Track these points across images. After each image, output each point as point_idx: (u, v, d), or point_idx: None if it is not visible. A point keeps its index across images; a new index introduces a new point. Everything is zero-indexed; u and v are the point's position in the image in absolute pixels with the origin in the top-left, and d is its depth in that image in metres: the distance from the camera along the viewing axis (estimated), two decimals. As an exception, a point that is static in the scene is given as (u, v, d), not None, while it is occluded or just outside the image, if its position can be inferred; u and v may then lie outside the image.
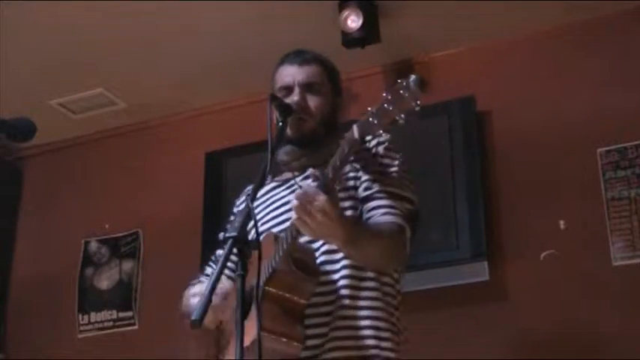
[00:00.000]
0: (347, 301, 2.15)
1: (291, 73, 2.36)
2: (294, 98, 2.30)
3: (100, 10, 3.75)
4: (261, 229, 2.21)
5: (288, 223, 2.10)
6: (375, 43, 3.85)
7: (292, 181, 2.30)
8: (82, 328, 4.58)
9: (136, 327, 4.45)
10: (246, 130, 4.18)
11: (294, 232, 2.02)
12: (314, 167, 2.21)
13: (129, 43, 4.05)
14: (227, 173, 4.36)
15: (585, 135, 3.74)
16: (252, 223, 1.95)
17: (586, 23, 3.89)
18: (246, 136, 4.19)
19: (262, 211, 2.35)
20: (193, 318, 1.74)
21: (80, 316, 4.60)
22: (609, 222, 3.60)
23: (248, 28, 3.95)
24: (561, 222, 3.67)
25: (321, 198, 1.93)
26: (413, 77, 1.84)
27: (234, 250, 1.87)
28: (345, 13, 3.76)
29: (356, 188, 2.24)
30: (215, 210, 4.27)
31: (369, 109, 1.89)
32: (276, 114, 2.26)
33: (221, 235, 1.90)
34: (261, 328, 1.88)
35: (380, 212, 2.17)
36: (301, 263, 2.10)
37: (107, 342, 4.47)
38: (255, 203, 2.33)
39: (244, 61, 4.20)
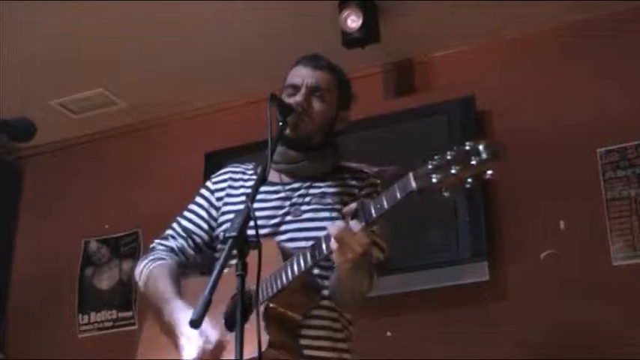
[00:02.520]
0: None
1: (302, 74, 2.36)
2: (297, 98, 2.31)
3: (100, 11, 3.75)
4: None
5: (268, 230, 2.21)
6: (375, 43, 3.85)
7: (279, 187, 2.33)
8: (82, 328, 4.58)
9: (135, 327, 4.44)
10: (246, 131, 4.17)
11: (320, 254, 2.03)
12: (303, 182, 2.30)
13: (129, 43, 4.05)
14: (227, 173, 4.35)
15: (585, 135, 3.74)
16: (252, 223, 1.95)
17: (586, 23, 3.88)
18: (245, 137, 4.19)
19: (235, 205, 2.35)
20: (193, 318, 1.74)
21: (80, 316, 4.61)
22: (609, 222, 3.60)
23: (248, 28, 3.95)
24: (561, 222, 3.67)
25: (363, 236, 1.96)
26: (484, 144, 1.70)
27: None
28: (345, 12, 3.76)
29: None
30: (215, 210, 4.27)
31: (430, 162, 1.78)
32: (276, 113, 2.26)
33: (221, 235, 1.90)
34: (262, 332, 1.90)
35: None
36: (308, 281, 2.16)
37: (107, 342, 4.47)
38: (233, 193, 2.38)
39: (244, 61, 4.20)
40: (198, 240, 2.43)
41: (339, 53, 3.89)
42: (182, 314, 2.17)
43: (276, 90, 2.38)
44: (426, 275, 3.67)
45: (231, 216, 2.29)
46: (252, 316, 1.98)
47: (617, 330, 3.40)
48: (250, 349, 1.79)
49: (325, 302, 2.23)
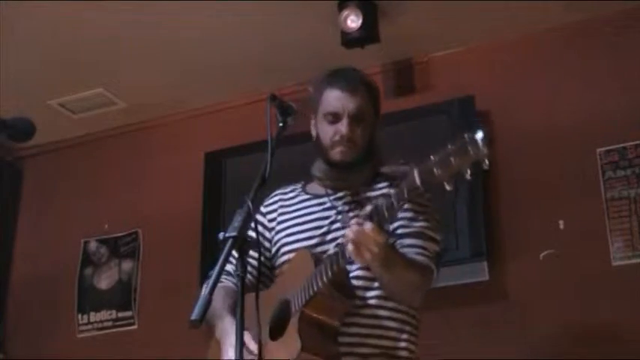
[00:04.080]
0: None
1: (341, 101, 2.37)
2: (342, 130, 2.34)
3: (99, 10, 3.75)
4: (289, 239, 2.39)
5: (316, 240, 2.29)
6: (375, 43, 3.85)
7: (325, 199, 2.40)
8: (81, 328, 4.58)
9: (135, 327, 4.45)
10: (246, 130, 4.18)
11: (343, 259, 2.09)
12: (348, 190, 2.37)
13: (129, 43, 4.04)
14: (226, 173, 4.36)
15: (585, 135, 3.74)
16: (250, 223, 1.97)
17: (585, 23, 3.89)
18: (245, 136, 4.19)
19: (290, 221, 2.43)
20: (193, 318, 1.75)
21: (79, 316, 4.60)
22: (609, 222, 3.60)
23: (248, 28, 3.95)
24: (561, 222, 3.67)
25: (377, 234, 2.02)
26: (480, 134, 1.84)
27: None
28: (345, 12, 3.75)
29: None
30: (214, 210, 4.27)
31: (431, 157, 1.92)
32: (276, 113, 2.27)
33: (221, 235, 1.91)
34: (264, 336, 1.98)
35: (413, 251, 2.26)
36: (340, 286, 2.18)
37: (106, 342, 4.47)
38: (284, 211, 2.47)
39: (244, 61, 4.20)
40: (253, 261, 2.46)
41: (338, 53, 3.90)
42: (230, 328, 2.23)
43: (275, 90, 2.38)
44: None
45: (288, 231, 2.41)
46: (289, 326, 2.13)
47: (617, 330, 3.40)
48: (286, 355, 2.00)
49: (372, 301, 2.27)
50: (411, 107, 4.07)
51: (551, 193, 3.72)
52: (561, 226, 3.67)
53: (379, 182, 2.40)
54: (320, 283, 2.12)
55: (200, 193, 4.38)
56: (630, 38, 3.80)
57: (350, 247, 2.04)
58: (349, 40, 3.81)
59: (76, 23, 3.86)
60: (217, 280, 1.82)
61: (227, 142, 4.42)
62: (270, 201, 2.55)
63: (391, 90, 4.24)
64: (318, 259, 2.21)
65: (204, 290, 1.80)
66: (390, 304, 2.28)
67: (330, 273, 2.11)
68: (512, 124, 3.92)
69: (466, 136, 1.85)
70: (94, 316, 4.57)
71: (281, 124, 2.26)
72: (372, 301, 2.27)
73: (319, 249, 2.31)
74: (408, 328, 2.33)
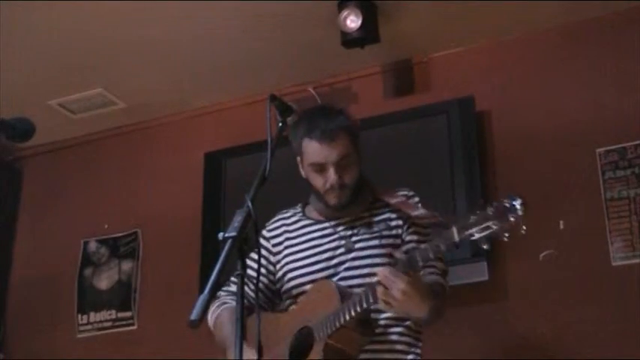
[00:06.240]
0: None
1: (322, 153, 2.41)
2: (331, 178, 2.40)
3: (99, 10, 3.75)
4: (295, 265, 2.49)
5: (322, 265, 2.42)
6: (375, 43, 3.84)
7: (326, 224, 2.50)
8: (81, 328, 4.58)
9: (135, 327, 4.45)
10: (245, 131, 4.18)
11: (372, 299, 2.18)
12: (348, 217, 2.47)
13: (128, 43, 4.04)
14: (226, 173, 4.36)
15: (584, 135, 3.75)
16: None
17: (585, 23, 3.89)
18: (245, 137, 4.19)
19: (295, 247, 2.53)
20: (192, 318, 1.75)
21: (79, 316, 4.60)
22: (608, 222, 3.60)
23: (247, 27, 3.95)
24: (561, 222, 3.67)
25: (403, 281, 2.12)
26: (519, 201, 2.02)
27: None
28: (345, 13, 3.75)
29: (397, 236, 2.45)
30: (214, 210, 4.27)
31: (471, 217, 2.03)
32: (276, 114, 2.27)
33: (220, 235, 1.91)
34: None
35: (427, 271, 2.38)
36: (364, 322, 2.29)
37: (106, 342, 4.47)
38: (289, 236, 2.56)
39: (243, 61, 4.20)
40: (260, 280, 2.58)
41: (338, 53, 3.91)
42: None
43: (275, 90, 2.39)
44: (426, 275, 3.67)
45: (294, 257, 2.51)
46: (313, 353, 2.27)
47: (616, 330, 3.40)
48: None
49: (383, 322, 2.38)
50: (411, 107, 4.07)
51: (551, 193, 3.72)
52: (561, 226, 3.67)
53: (378, 207, 2.50)
54: (347, 317, 2.22)
55: (200, 194, 4.38)
56: (630, 38, 3.79)
57: (379, 293, 2.14)
58: (349, 41, 3.81)
59: (75, 23, 3.86)
60: (216, 281, 1.81)
61: (227, 142, 4.42)
62: (273, 226, 2.62)
63: (391, 90, 4.25)
64: (342, 292, 2.30)
65: (205, 290, 1.80)
66: (399, 327, 2.39)
67: (358, 309, 2.21)
68: (511, 125, 3.92)
69: (506, 202, 1.99)
70: (93, 317, 4.57)
71: (281, 124, 2.27)
72: (382, 322, 2.37)
73: (325, 273, 2.42)
74: (414, 342, 2.46)
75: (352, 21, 3.74)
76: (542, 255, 3.64)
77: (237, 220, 1.92)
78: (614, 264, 3.54)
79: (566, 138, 3.78)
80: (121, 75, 4.34)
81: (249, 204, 1.96)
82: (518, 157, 3.86)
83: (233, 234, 1.89)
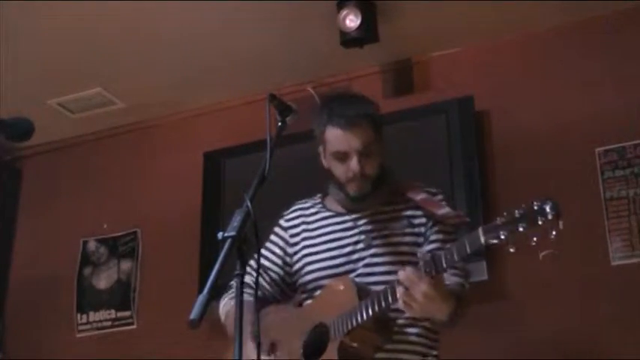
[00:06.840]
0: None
1: (346, 140, 2.37)
2: (353, 167, 2.36)
3: (98, 10, 3.75)
4: (314, 258, 2.44)
5: (341, 259, 2.36)
6: (374, 43, 3.84)
7: (346, 217, 2.44)
8: (80, 327, 4.58)
9: (134, 326, 4.45)
10: (245, 130, 4.18)
11: (392, 299, 2.14)
12: (368, 211, 2.41)
13: (128, 43, 4.04)
14: (225, 173, 4.36)
15: (584, 135, 3.75)
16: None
17: (584, 23, 3.89)
18: (244, 136, 4.19)
19: (314, 239, 2.47)
20: (191, 318, 1.74)
21: (79, 315, 4.61)
22: (608, 222, 3.60)
23: (247, 28, 3.95)
24: (560, 222, 3.66)
25: (425, 283, 2.07)
26: (550, 204, 1.95)
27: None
28: (344, 12, 3.75)
29: (420, 234, 2.40)
30: (213, 210, 4.27)
31: (498, 218, 1.96)
32: (275, 113, 2.27)
33: (220, 235, 1.91)
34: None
35: (450, 272, 2.30)
36: (382, 322, 2.26)
37: (105, 341, 4.47)
38: (307, 228, 2.50)
39: (243, 61, 4.20)
40: (273, 275, 2.55)
41: (337, 53, 3.91)
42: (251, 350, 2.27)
43: (275, 90, 2.38)
44: (425, 275, 3.66)
45: (313, 249, 2.46)
46: (328, 351, 2.22)
47: (616, 330, 3.40)
48: None
49: (401, 321, 2.32)
50: (410, 107, 4.07)
51: (550, 192, 3.70)
52: (560, 226, 3.66)
53: (400, 202, 2.44)
54: (365, 316, 2.19)
55: (199, 193, 4.38)
56: (629, 38, 3.80)
57: (399, 294, 2.09)
58: (348, 40, 3.81)
59: (74, 23, 3.86)
60: (216, 280, 1.81)
61: (226, 142, 4.42)
62: (291, 216, 2.58)
63: (390, 90, 4.24)
64: (361, 289, 2.26)
65: (205, 290, 1.80)
66: (417, 327, 2.34)
67: (376, 308, 2.17)
68: (510, 124, 3.92)
69: (535, 204, 1.93)
70: (93, 316, 4.57)
71: (280, 124, 2.26)
72: (400, 321, 2.32)
73: (344, 269, 2.37)
74: (432, 343, 2.40)
75: (351, 20, 3.74)
76: (541, 255, 3.64)
77: (237, 219, 1.92)
78: (613, 263, 3.54)
79: (566, 138, 3.78)
80: (120, 74, 4.34)
81: (249, 204, 1.96)
82: (517, 157, 3.86)
83: (232, 234, 1.88)
